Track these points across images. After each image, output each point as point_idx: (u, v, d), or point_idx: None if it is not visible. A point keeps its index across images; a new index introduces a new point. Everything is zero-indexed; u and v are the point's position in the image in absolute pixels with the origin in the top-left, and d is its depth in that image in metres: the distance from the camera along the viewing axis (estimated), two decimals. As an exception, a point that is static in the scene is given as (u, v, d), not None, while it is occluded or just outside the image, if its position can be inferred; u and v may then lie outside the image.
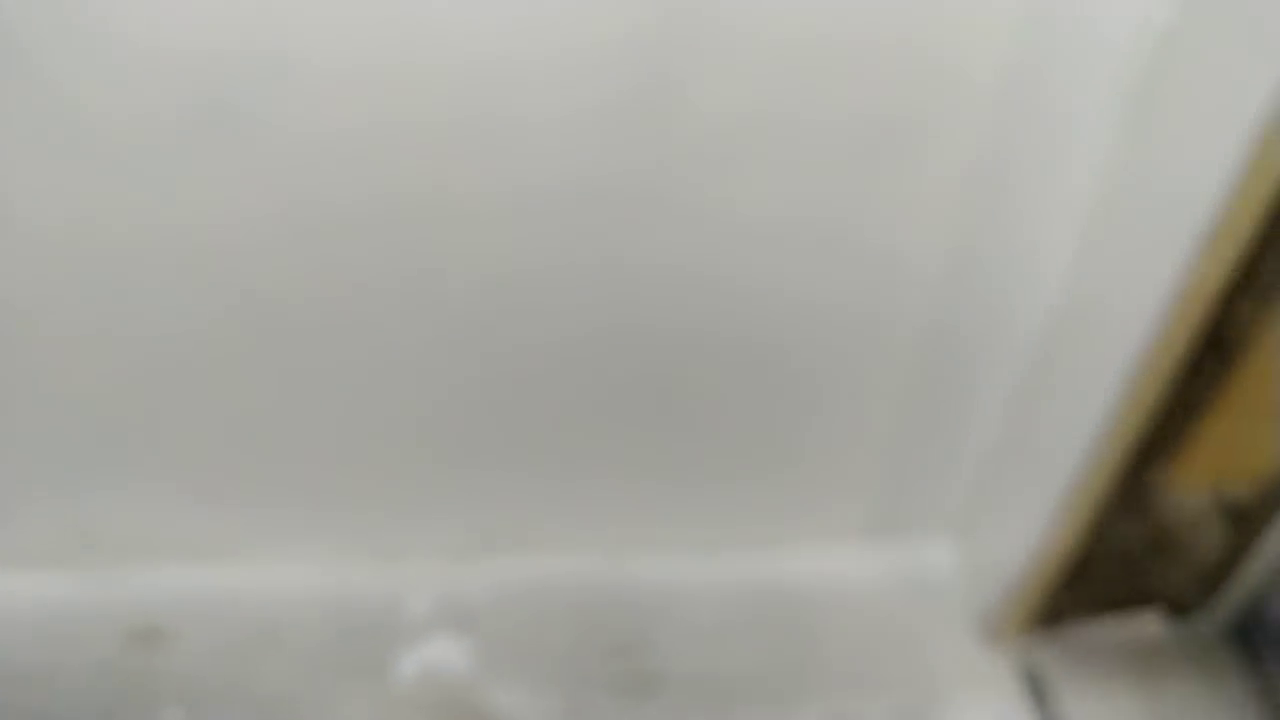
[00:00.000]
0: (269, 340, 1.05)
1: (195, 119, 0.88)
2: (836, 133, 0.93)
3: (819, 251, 1.01)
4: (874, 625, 1.20)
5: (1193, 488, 1.05)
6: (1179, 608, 1.19)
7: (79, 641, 1.19)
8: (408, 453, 1.17)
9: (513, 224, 0.98)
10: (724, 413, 1.14)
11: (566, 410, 1.14)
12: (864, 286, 1.05)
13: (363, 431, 1.15)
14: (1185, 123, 0.85)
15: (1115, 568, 1.12)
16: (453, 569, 1.24)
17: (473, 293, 1.03)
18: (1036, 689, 1.16)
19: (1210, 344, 0.92)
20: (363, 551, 1.24)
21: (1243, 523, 1.09)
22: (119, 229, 0.96)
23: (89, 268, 0.99)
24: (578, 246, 1.00)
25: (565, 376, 1.11)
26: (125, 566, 1.23)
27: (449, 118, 0.90)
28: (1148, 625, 1.19)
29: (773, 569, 1.24)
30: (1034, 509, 1.09)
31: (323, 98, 0.87)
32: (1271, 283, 0.87)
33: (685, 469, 1.19)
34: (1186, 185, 0.85)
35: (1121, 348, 0.95)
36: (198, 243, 0.97)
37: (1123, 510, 1.06)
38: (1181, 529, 1.09)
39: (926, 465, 1.19)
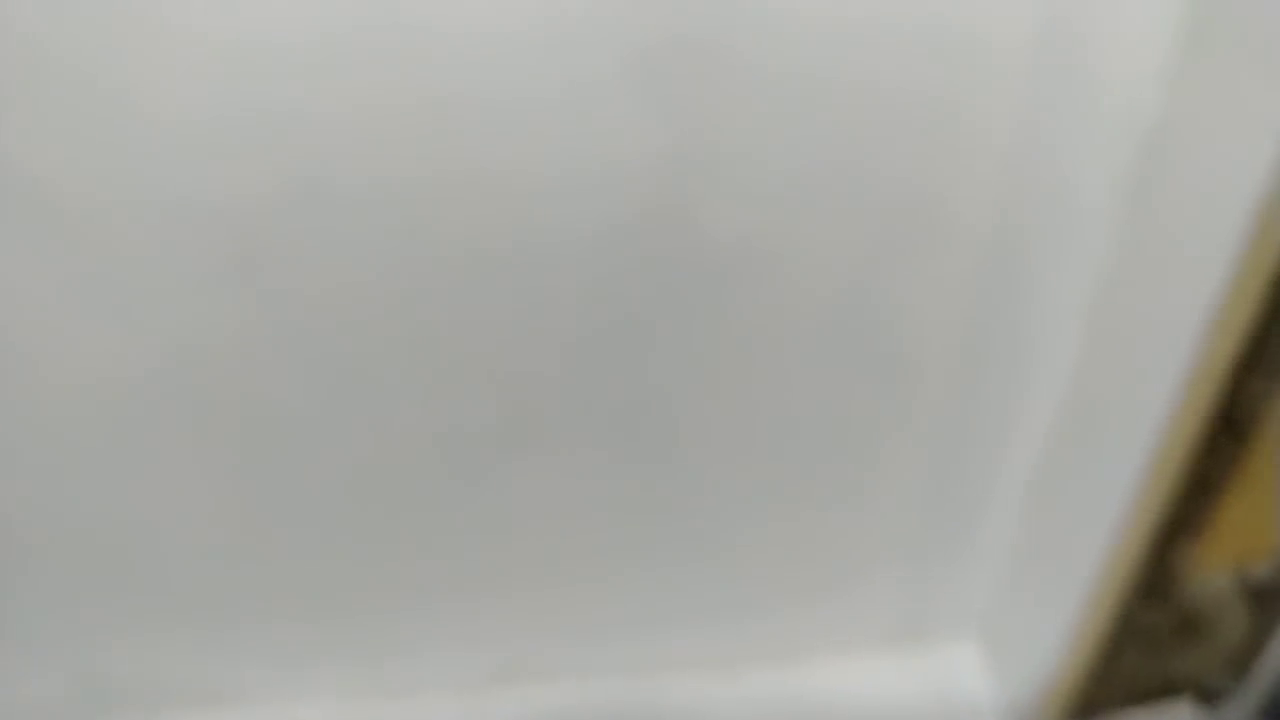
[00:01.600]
0: (274, 477, 1.04)
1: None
2: (846, 232, 0.95)
3: (830, 354, 1.03)
4: (906, 735, 1.18)
5: (1215, 570, 1.06)
6: (1208, 695, 1.18)
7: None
8: (414, 584, 1.15)
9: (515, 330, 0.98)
10: (741, 524, 1.14)
11: (579, 530, 1.13)
12: (873, 388, 1.06)
13: (365, 565, 1.12)
14: (1184, 206, 0.88)
15: (1143, 657, 1.12)
16: (468, 704, 1.21)
17: (483, 409, 1.03)
18: (1076, 789, 1.14)
19: (1224, 423, 0.93)
20: (373, 691, 1.21)
21: (1265, 603, 1.09)
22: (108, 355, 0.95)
23: (87, 407, 0.98)
24: (588, 354, 1.00)
25: (576, 494, 1.10)
26: (128, 717, 1.18)
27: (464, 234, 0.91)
28: (1178, 715, 1.18)
29: (799, 684, 1.21)
30: (1059, 602, 1.09)
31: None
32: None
33: (705, 584, 1.18)
34: (1190, 266, 0.88)
35: (1135, 432, 0.97)
36: (190, 373, 0.96)
37: (1147, 597, 1.06)
38: (1206, 612, 1.09)
39: (947, 568, 1.19)
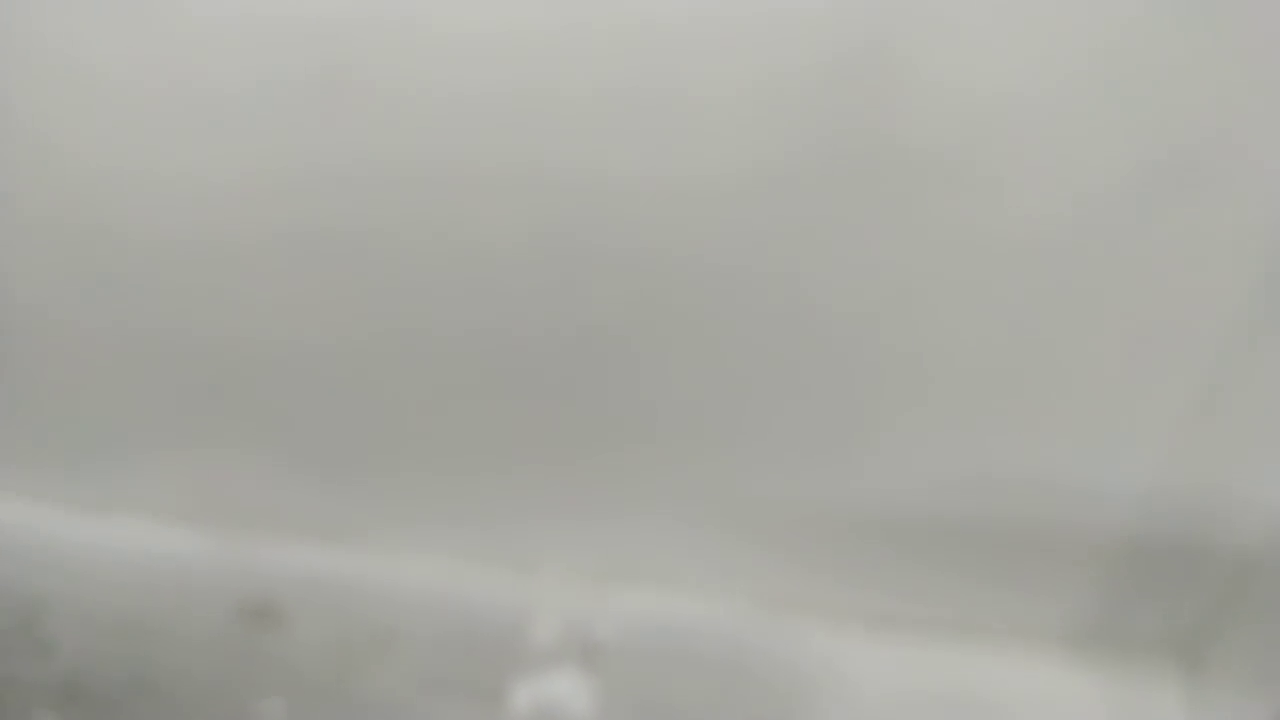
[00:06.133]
0: (417, 327, 0.96)
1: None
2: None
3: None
4: (1074, 755, 0.99)
5: None
6: None
7: (193, 604, 1.13)
8: (554, 459, 1.04)
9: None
10: (927, 465, 0.95)
11: (742, 439, 0.98)
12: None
13: (506, 431, 1.03)
14: None
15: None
16: (587, 594, 1.10)
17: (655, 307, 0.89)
18: None
19: None
20: (492, 557, 1.12)
21: None
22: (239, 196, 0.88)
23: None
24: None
25: (748, 402, 0.95)
26: (249, 535, 1.15)
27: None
28: None
29: (957, 663, 1.03)
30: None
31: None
32: None
33: (870, 531, 1.01)
34: None
35: None
36: (330, 224, 0.89)
37: None
38: None
39: (1165, 575, 0.97)
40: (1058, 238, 0.77)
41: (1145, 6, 0.66)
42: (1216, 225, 0.73)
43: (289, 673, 1.08)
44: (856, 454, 0.96)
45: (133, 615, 1.13)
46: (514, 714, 1.04)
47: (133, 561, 1.16)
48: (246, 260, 0.94)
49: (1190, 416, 0.85)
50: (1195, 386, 0.84)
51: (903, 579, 1.03)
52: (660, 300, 0.88)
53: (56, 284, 1.01)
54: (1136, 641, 1.01)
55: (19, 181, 0.93)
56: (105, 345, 1.05)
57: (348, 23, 0.75)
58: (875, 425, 0.94)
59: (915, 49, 0.70)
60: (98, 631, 1.11)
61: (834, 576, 1.05)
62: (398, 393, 1.02)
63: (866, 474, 0.96)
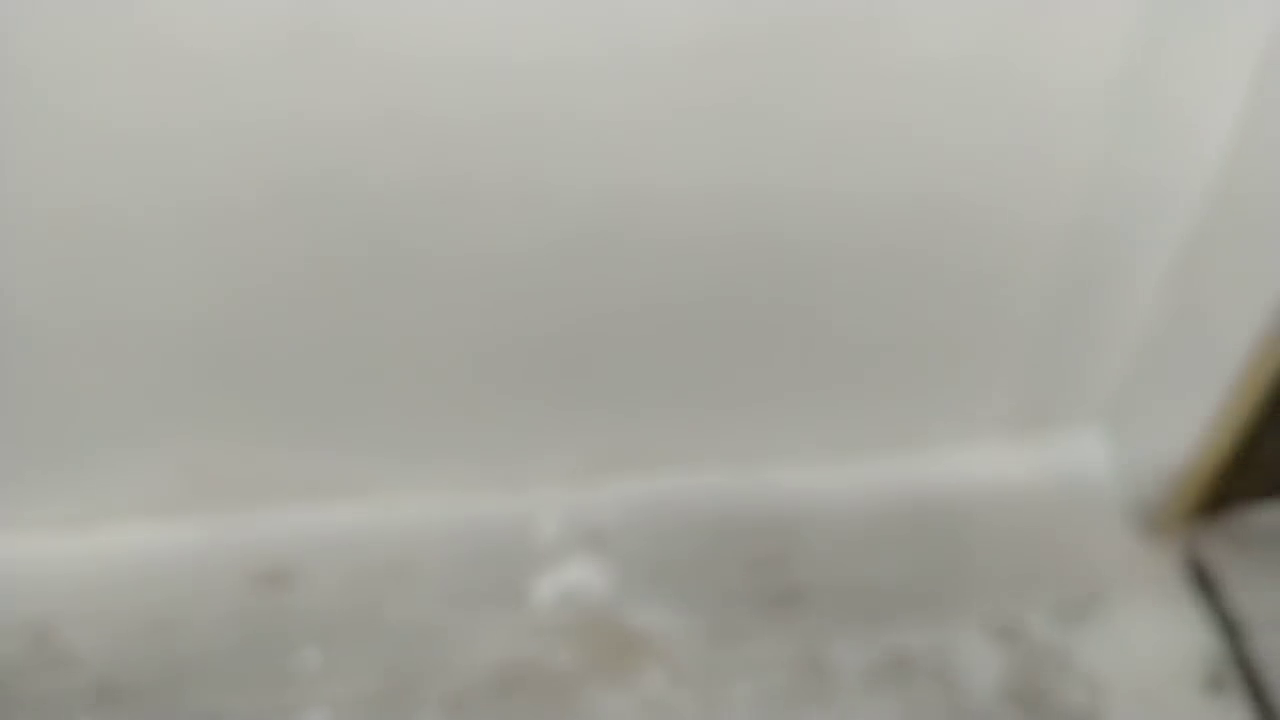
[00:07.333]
0: (379, 273, 1.00)
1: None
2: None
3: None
4: (1027, 524, 1.15)
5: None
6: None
7: (205, 589, 1.16)
8: (520, 375, 1.12)
9: (628, 140, 0.92)
10: (857, 306, 1.08)
11: (685, 313, 1.07)
12: (1011, 179, 0.98)
13: (474, 360, 1.10)
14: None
15: (1286, 448, 1.06)
16: (578, 491, 1.20)
17: (586, 205, 0.97)
18: (1204, 581, 1.11)
19: None
20: (484, 481, 1.20)
21: None
22: (216, 155, 0.90)
23: (201, 194, 0.93)
24: (699, 161, 0.94)
25: (685, 278, 1.04)
26: (245, 510, 1.19)
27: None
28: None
29: (916, 471, 1.18)
30: (1199, 390, 1.03)
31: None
32: None
33: (816, 370, 1.13)
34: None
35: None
36: (300, 167, 0.91)
37: (1298, 385, 0.99)
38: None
39: (1075, 351, 1.12)
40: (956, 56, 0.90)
41: None
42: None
43: (316, 622, 1.14)
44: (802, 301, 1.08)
45: (145, 611, 1.15)
46: (541, 606, 1.14)
47: (130, 563, 1.18)
48: (207, 219, 0.94)
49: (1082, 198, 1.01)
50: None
51: (854, 409, 1.17)
52: (624, 198, 0.97)
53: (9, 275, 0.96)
54: (1061, 416, 1.18)
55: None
56: (62, 343, 1.03)
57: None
58: (815, 280, 1.06)
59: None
60: (114, 634, 1.14)
61: (795, 421, 1.18)
62: (365, 335, 1.06)
63: (819, 320, 1.09)
